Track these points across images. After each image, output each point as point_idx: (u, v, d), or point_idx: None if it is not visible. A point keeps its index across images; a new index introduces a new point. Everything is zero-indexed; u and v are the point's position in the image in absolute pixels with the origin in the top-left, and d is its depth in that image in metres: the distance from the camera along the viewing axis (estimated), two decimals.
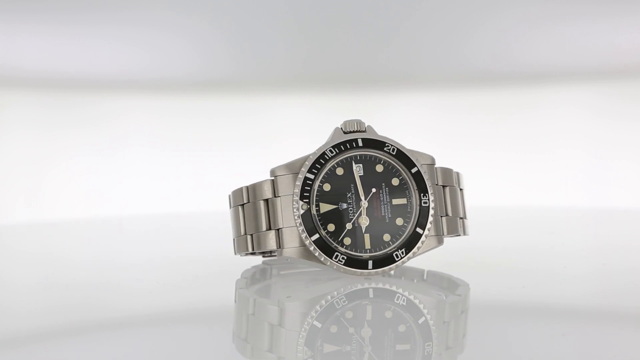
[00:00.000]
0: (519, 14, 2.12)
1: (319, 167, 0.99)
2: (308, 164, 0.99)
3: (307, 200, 0.98)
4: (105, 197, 2.14)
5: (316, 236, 0.97)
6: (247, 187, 1.02)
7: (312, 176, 0.99)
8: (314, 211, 0.98)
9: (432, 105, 2.16)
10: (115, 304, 0.99)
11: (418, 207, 1.00)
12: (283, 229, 0.98)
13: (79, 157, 2.14)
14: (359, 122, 1.02)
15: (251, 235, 1.01)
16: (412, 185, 1.00)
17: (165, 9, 2.11)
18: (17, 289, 1.09)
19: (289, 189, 0.99)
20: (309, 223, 0.97)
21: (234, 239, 1.05)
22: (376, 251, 0.98)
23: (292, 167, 1.00)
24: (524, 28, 2.13)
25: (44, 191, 2.11)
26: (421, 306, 0.91)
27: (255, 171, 2.16)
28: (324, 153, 1.00)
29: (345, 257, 0.97)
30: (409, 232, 0.99)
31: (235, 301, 0.97)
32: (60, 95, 2.16)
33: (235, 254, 1.05)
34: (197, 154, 2.18)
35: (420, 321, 0.85)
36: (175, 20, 2.12)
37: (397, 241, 0.99)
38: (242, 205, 1.02)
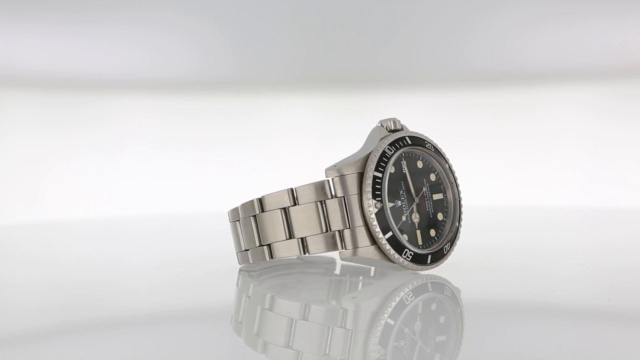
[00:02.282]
0: (519, 14, 2.12)
1: (384, 165, 0.98)
2: (373, 161, 0.97)
3: (380, 198, 0.97)
4: (105, 197, 2.14)
5: (389, 234, 0.96)
6: (291, 189, 0.98)
7: (379, 174, 0.97)
8: (387, 209, 0.97)
9: (432, 105, 2.16)
10: (116, 303, 0.99)
11: (453, 202, 1.03)
12: (350, 230, 0.96)
13: (79, 157, 2.14)
14: (397, 121, 1.02)
15: (302, 238, 0.98)
16: (447, 180, 1.03)
17: (165, 9, 2.11)
18: (17, 289, 1.09)
19: (354, 188, 0.96)
20: (383, 221, 0.96)
21: (270, 244, 1.00)
22: (427, 247, 1.00)
23: (355, 166, 0.97)
24: (524, 28, 2.13)
25: (44, 191, 2.11)
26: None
27: (256, 171, 2.16)
28: (384, 151, 0.98)
29: (412, 254, 0.98)
30: (450, 226, 1.02)
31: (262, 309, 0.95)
32: (60, 95, 2.16)
33: (251, 262, 1.02)
34: (197, 154, 2.18)
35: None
36: (175, 20, 2.12)
37: (442, 236, 1.01)
38: (285, 208, 0.98)
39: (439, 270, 1.04)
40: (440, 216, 1.02)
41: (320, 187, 0.97)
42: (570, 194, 2.11)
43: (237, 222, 1.04)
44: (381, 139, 1.00)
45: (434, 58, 2.20)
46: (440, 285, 0.99)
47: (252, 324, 0.87)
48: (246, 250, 1.03)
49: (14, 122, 2.13)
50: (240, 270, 1.09)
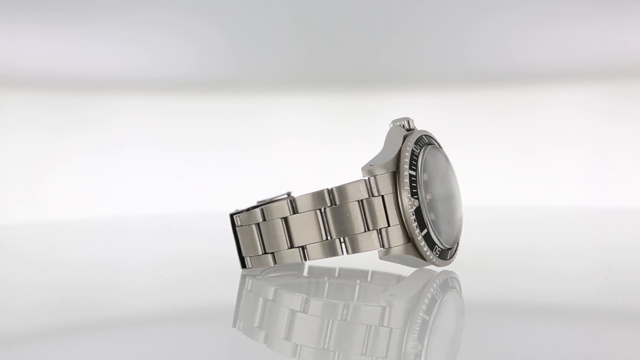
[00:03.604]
0: (519, 14, 2.12)
1: (415, 163, 0.98)
2: (406, 160, 0.97)
3: (417, 197, 0.96)
4: (105, 197, 2.14)
5: (425, 231, 0.97)
6: (330, 190, 0.97)
7: (413, 172, 0.97)
8: (425, 206, 0.97)
9: (432, 105, 2.16)
10: (116, 303, 0.99)
11: (457, 197, 1.04)
12: (388, 228, 0.96)
13: (79, 157, 2.14)
14: (411, 120, 1.03)
15: (340, 239, 0.97)
16: (453, 177, 1.04)
17: (165, 9, 2.11)
18: (17, 289, 1.09)
19: (389, 187, 0.96)
20: (420, 219, 0.96)
21: (303, 247, 0.98)
22: (445, 242, 1.01)
23: (386, 166, 0.96)
24: (524, 28, 2.14)
25: (44, 191, 2.12)
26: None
27: (255, 171, 2.16)
28: (412, 150, 0.99)
29: (440, 250, 0.99)
30: (459, 221, 1.04)
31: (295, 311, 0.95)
32: (60, 95, 2.16)
33: (274, 265, 1.00)
34: (197, 154, 2.18)
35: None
36: (175, 20, 2.13)
37: (436, 229, 1.01)
38: (321, 209, 0.97)
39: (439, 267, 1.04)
40: None
41: (360, 188, 0.96)
42: (570, 194, 2.11)
43: (255, 225, 1.02)
44: (405, 138, 1.00)
45: (434, 58, 2.20)
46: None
47: (280, 328, 0.86)
48: (269, 253, 1.01)
49: (14, 122, 2.13)
50: (245, 274, 1.07)
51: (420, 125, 1.05)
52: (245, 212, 1.03)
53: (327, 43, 2.17)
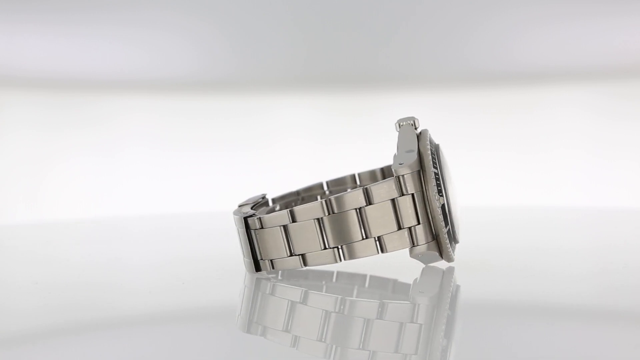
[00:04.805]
0: (519, 14, 2.12)
1: (435, 161, 0.99)
2: (430, 159, 0.97)
3: (442, 194, 0.98)
4: (105, 197, 2.14)
5: (448, 227, 0.99)
6: (366, 189, 0.96)
7: (436, 170, 0.99)
8: (447, 203, 0.99)
9: (432, 105, 2.16)
10: (116, 303, 0.99)
11: (458, 196, 1.06)
12: (417, 226, 0.96)
13: (79, 157, 2.14)
14: (417, 120, 1.04)
15: (375, 238, 0.97)
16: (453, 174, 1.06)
17: (165, 9, 2.11)
18: (17, 289, 1.09)
19: (417, 186, 0.96)
20: (445, 215, 0.98)
21: (339, 247, 0.97)
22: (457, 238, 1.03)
23: (412, 166, 0.96)
24: (524, 28, 2.14)
25: (44, 191, 2.12)
26: None
27: (256, 171, 2.16)
28: (430, 149, 1.00)
29: (454, 246, 1.02)
30: (460, 218, 1.05)
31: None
32: (60, 95, 2.16)
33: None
34: (197, 154, 2.18)
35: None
36: (175, 20, 2.13)
37: (452, 227, 1.03)
38: (359, 209, 0.97)
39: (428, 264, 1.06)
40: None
41: (392, 187, 0.96)
42: (570, 194, 2.11)
43: (281, 227, 1.00)
44: (419, 138, 1.01)
45: (434, 58, 2.20)
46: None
47: (320, 330, 0.86)
48: (298, 255, 1.00)
49: (14, 122, 2.13)
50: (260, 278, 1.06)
51: (420, 125, 1.06)
52: (269, 215, 1.01)
53: (327, 43, 2.17)
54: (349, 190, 1.13)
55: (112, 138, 2.16)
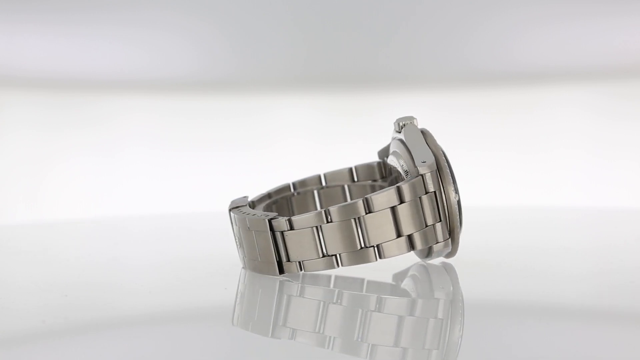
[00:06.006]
0: (519, 14, 2.12)
1: (447, 159, 1.01)
2: (443, 157, 1.00)
3: (457, 191, 1.01)
4: (106, 197, 2.14)
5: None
6: (399, 187, 0.97)
7: (451, 168, 1.01)
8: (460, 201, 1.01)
9: (432, 105, 2.16)
10: (116, 303, 0.99)
11: None
12: (436, 224, 0.98)
13: (79, 157, 2.14)
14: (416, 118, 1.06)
15: (409, 235, 0.98)
16: None
17: (165, 9, 2.11)
18: (17, 289, 1.09)
19: (436, 184, 0.98)
20: (459, 212, 1.01)
21: (378, 246, 0.97)
22: None
23: (431, 166, 0.98)
24: (524, 28, 2.14)
25: (44, 191, 2.12)
26: None
27: (256, 171, 2.16)
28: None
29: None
30: None
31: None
32: (60, 95, 2.16)
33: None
34: (197, 154, 2.18)
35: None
36: (175, 20, 2.13)
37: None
38: (393, 207, 0.97)
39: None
40: None
41: (420, 185, 0.98)
42: (570, 194, 2.11)
43: (315, 228, 0.99)
44: (426, 137, 1.03)
45: (434, 58, 2.20)
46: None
47: (354, 329, 0.86)
48: (331, 255, 0.99)
49: (14, 122, 2.13)
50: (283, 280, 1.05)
51: (420, 125, 1.06)
52: (301, 216, 1.00)
53: (327, 43, 2.17)
54: (378, 189, 1.14)
55: (112, 138, 2.16)
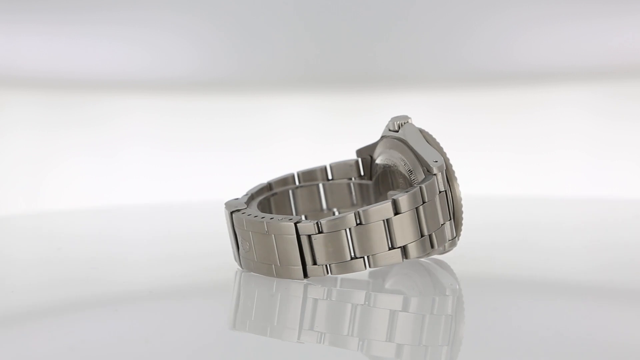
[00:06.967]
0: (519, 14, 2.12)
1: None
2: (447, 157, 1.02)
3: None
4: (105, 198, 2.14)
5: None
6: (421, 187, 0.98)
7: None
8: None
9: (432, 105, 2.16)
10: (115, 303, 0.99)
11: None
12: (446, 222, 1.00)
13: (79, 157, 2.14)
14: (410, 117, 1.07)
15: (430, 235, 0.98)
16: None
17: (165, 9, 2.11)
18: (18, 288, 1.10)
19: (445, 184, 0.99)
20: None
21: (404, 247, 0.97)
22: None
23: (442, 167, 1.00)
24: (524, 28, 2.14)
25: (44, 191, 2.12)
26: None
27: (256, 171, 2.16)
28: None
29: None
30: None
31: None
32: (60, 95, 2.16)
33: (366, 268, 0.98)
34: (197, 154, 2.18)
35: None
36: (175, 20, 2.13)
37: None
38: (416, 208, 0.97)
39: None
40: None
41: (434, 184, 0.98)
42: (570, 193, 2.11)
43: (346, 231, 0.98)
44: (425, 136, 1.04)
45: (434, 58, 2.20)
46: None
47: (382, 328, 0.87)
48: (359, 257, 0.99)
49: (14, 122, 2.13)
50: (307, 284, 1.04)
51: (420, 125, 1.06)
52: (332, 218, 0.99)
53: (327, 43, 2.17)
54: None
55: (112, 138, 2.16)
